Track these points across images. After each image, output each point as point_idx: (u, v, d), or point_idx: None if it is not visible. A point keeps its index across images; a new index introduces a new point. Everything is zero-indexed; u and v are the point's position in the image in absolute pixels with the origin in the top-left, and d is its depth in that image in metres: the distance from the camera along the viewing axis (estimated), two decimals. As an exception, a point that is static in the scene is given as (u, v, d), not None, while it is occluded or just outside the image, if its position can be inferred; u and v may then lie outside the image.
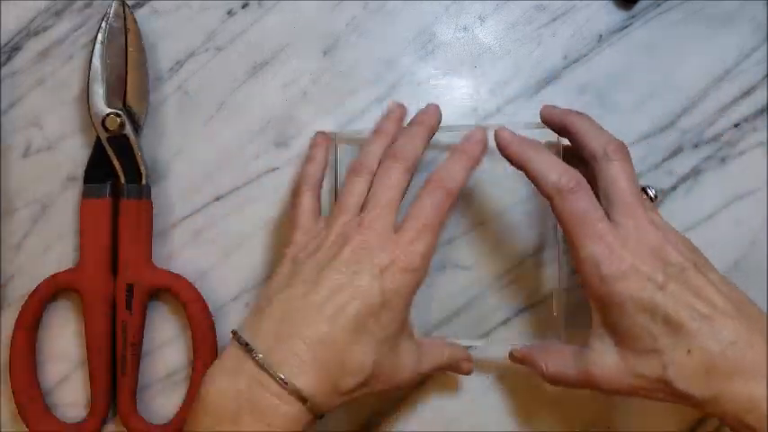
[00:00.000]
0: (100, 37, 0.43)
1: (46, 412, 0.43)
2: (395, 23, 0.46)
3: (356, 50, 0.46)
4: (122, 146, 0.43)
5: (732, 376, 0.33)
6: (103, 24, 0.43)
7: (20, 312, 0.43)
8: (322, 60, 0.46)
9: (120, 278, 0.43)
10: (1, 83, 0.45)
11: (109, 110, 0.43)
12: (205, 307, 0.43)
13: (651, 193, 0.41)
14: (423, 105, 0.45)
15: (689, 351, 0.34)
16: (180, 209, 0.45)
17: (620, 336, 0.36)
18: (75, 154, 0.45)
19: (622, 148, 0.38)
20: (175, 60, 0.45)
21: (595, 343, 0.37)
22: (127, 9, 0.44)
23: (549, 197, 0.37)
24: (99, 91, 0.43)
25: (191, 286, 0.43)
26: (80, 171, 0.44)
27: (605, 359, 0.36)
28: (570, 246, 0.37)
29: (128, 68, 0.44)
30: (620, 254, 0.35)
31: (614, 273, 0.35)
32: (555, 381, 0.38)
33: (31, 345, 0.44)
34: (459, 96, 0.46)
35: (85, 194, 0.43)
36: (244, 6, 0.46)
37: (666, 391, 0.35)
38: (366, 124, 0.45)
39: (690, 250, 0.37)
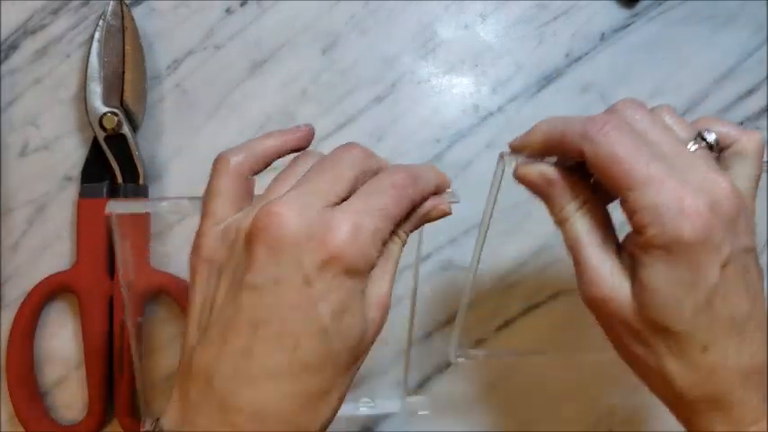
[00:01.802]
0: (97, 35, 0.43)
1: (43, 413, 0.43)
2: (395, 22, 0.45)
3: (356, 49, 0.45)
4: (120, 145, 0.43)
5: (716, 407, 0.30)
6: (101, 23, 0.43)
7: (17, 313, 0.43)
8: (321, 59, 0.45)
9: (117, 278, 0.43)
10: (-3, 81, 0.45)
11: (106, 109, 0.43)
12: None
13: (710, 138, 0.31)
14: (423, 104, 0.45)
15: (705, 348, 0.29)
16: (179, 209, 0.45)
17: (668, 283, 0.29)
18: (72, 153, 0.44)
19: (600, 120, 0.29)
20: (173, 59, 0.45)
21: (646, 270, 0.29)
22: (125, 7, 0.43)
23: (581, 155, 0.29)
24: (96, 90, 0.43)
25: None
26: (77, 171, 0.44)
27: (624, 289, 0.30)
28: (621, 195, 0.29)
29: (125, 67, 0.43)
30: (700, 215, 0.28)
31: (689, 237, 0.28)
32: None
33: (29, 345, 0.43)
34: (460, 95, 0.45)
35: (83, 194, 0.43)
36: (242, 4, 0.45)
37: (655, 371, 0.31)
38: (366, 123, 0.45)
39: (752, 225, 0.30)
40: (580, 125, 0.30)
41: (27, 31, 0.45)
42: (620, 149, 0.28)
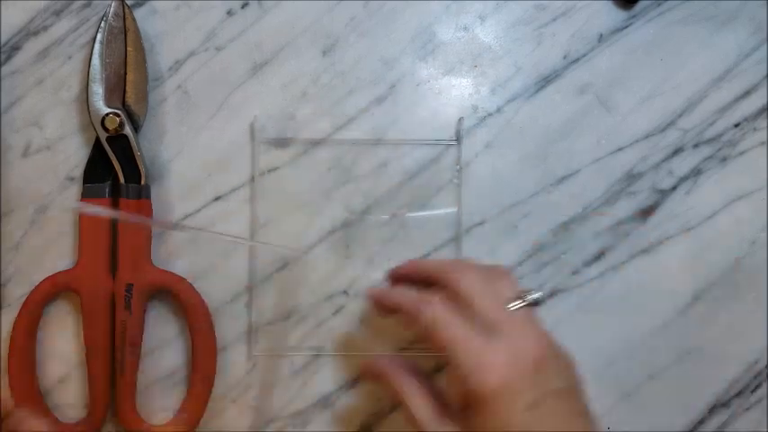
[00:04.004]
0: (99, 36, 0.43)
1: (45, 412, 0.43)
2: (394, 23, 0.46)
3: (356, 50, 0.46)
4: (122, 146, 0.43)
5: None
6: (103, 24, 0.43)
7: (19, 312, 0.43)
8: (321, 60, 0.45)
9: (118, 278, 0.43)
10: (0, 82, 0.45)
11: (108, 109, 0.43)
12: (205, 307, 0.43)
13: (535, 296, 0.36)
14: (422, 105, 0.45)
15: None
16: (180, 209, 0.45)
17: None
18: (74, 154, 0.45)
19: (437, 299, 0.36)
20: (175, 60, 0.45)
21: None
22: (126, 9, 0.43)
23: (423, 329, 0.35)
24: (98, 91, 0.43)
25: (190, 286, 0.43)
26: (79, 171, 0.44)
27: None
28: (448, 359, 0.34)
29: (127, 68, 0.44)
30: (495, 367, 0.32)
31: (486, 388, 0.32)
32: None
33: (31, 345, 0.43)
34: (459, 96, 0.46)
35: (85, 194, 0.43)
36: (243, 6, 0.45)
37: None
38: (365, 124, 0.45)
39: (564, 364, 0.35)
40: (414, 301, 0.36)
41: (29, 32, 0.45)
42: (439, 322, 0.34)
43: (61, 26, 0.45)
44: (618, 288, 0.45)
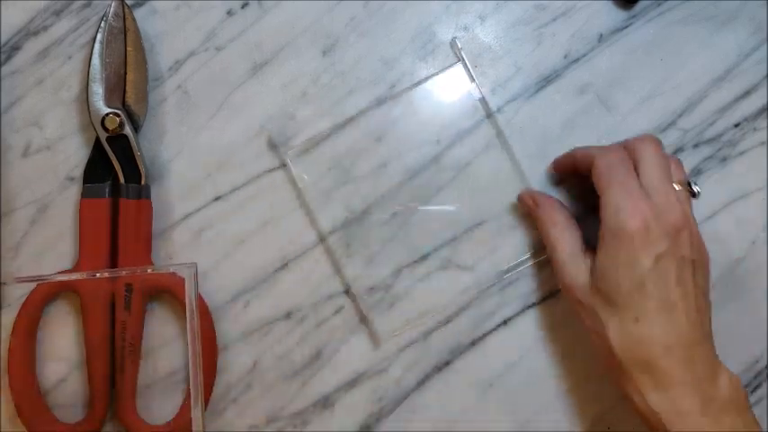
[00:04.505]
0: (99, 36, 0.43)
1: (45, 412, 0.43)
2: (394, 23, 0.46)
3: (356, 50, 0.46)
4: (122, 145, 0.43)
5: (644, 370, 0.37)
6: (103, 24, 0.43)
7: (19, 312, 0.43)
8: (322, 60, 0.45)
9: (118, 278, 0.43)
10: (0, 82, 0.45)
11: (108, 109, 0.43)
12: (205, 307, 0.43)
13: (695, 188, 0.41)
14: (423, 105, 0.45)
15: (636, 320, 0.37)
16: (180, 209, 0.45)
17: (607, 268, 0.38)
18: (74, 154, 0.45)
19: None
20: (175, 60, 0.45)
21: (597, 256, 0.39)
22: (126, 8, 0.43)
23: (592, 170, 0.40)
24: (98, 90, 0.43)
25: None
26: (79, 171, 0.44)
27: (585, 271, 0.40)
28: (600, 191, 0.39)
29: (127, 68, 0.44)
30: (642, 214, 0.37)
31: (628, 227, 0.37)
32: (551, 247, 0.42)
33: (31, 345, 0.43)
34: (459, 96, 0.46)
35: (85, 194, 0.43)
36: (243, 6, 0.46)
37: (599, 341, 0.39)
38: (365, 124, 0.45)
39: (699, 247, 0.39)
40: (591, 152, 0.41)
41: (29, 32, 0.45)
42: (611, 167, 0.39)
43: (61, 26, 0.45)
44: (618, 288, 0.45)
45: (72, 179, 0.45)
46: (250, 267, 0.45)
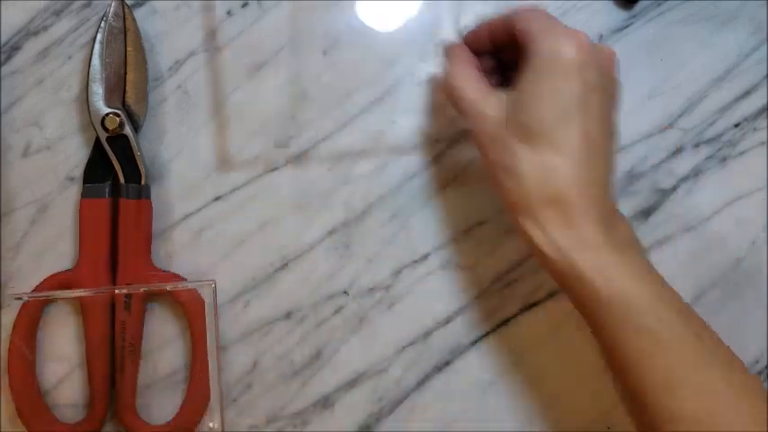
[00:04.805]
0: (99, 36, 0.43)
1: (45, 412, 0.43)
2: (395, 23, 0.46)
3: (356, 50, 0.46)
4: (122, 146, 0.43)
5: (553, 205, 0.35)
6: (103, 24, 0.43)
7: (19, 312, 0.43)
8: (322, 60, 0.45)
9: (119, 278, 0.43)
10: (0, 82, 0.45)
11: (108, 109, 0.43)
12: (204, 307, 0.43)
13: None
14: (423, 105, 0.45)
15: (557, 151, 0.35)
16: (180, 209, 0.45)
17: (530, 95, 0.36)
18: (74, 154, 0.45)
19: None
20: (175, 60, 0.45)
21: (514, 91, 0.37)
22: (126, 9, 0.43)
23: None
24: (98, 91, 0.43)
25: (190, 290, 0.43)
26: (79, 171, 0.44)
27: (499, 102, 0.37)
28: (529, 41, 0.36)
29: (127, 68, 0.44)
30: (577, 43, 0.35)
31: (566, 49, 0.35)
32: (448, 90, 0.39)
33: (31, 346, 0.43)
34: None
35: (85, 194, 0.43)
36: (243, 6, 0.45)
37: (499, 180, 0.37)
38: (365, 124, 0.45)
39: (619, 91, 0.38)
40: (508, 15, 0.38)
41: (29, 32, 0.45)
42: (538, 14, 0.37)
43: (61, 26, 0.45)
44: (618, 288, 0.45)
45: (72, 179, 0.45)
46: (250, 267, 0.45)
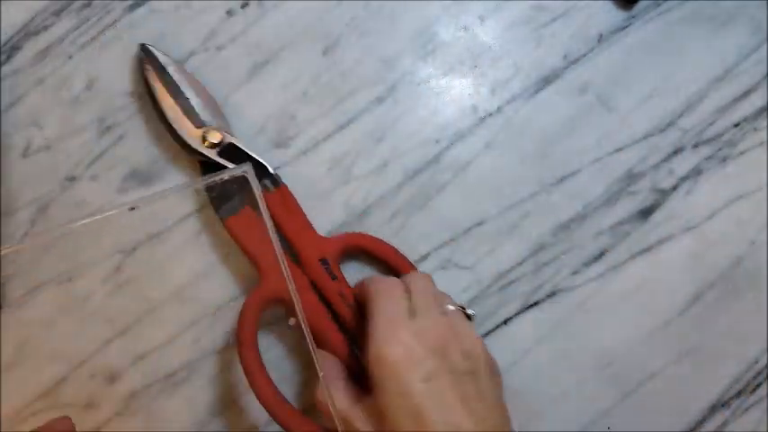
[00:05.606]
0: (152, 82, 0.43)
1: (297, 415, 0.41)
2: (395, 23, 0.46)
3: (356, 50, 0.46)
4: (232, 153, 0.42)
5: None
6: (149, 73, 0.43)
7: (238, 329, 0.40)
8: (322, 60, 0.46)
9: (304, 262, 0.42)
10: (0, 82, 0.45)
11: (202, 128, 0.42)
12: (400, 254, 0.44)
13: (470, 311, 0.41)
14: (422, 105, 0.45)
15: None
16: (180, 209, 0.45)
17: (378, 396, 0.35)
18: (74, 154, 0.45)
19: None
20: (175, 60, 0.45)
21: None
22: (149, 51, 0.43)
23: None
24: (186, 125, 0.43)
25: (372, 237, 0.44)
26: (80, 171, 0.44)
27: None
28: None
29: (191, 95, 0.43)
30: (403, 340, 0.35)
31: (391, 359, 0.35)
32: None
33: (259, 359, 0.41)
34: (459, 96, 0.46)
35: (223, 215, 0.42)
36: (243, 6, 0.46)
37: None
38: (365, 124, 0.45)
39: (477, 357, 0.36)
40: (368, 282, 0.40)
41: (29, 32, 0.45)
42: (380, 294, 0.38)
43: (61, 26, 0.45)
44: (618, 288, 0.45)
45: (72, 179, 0.45)
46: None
